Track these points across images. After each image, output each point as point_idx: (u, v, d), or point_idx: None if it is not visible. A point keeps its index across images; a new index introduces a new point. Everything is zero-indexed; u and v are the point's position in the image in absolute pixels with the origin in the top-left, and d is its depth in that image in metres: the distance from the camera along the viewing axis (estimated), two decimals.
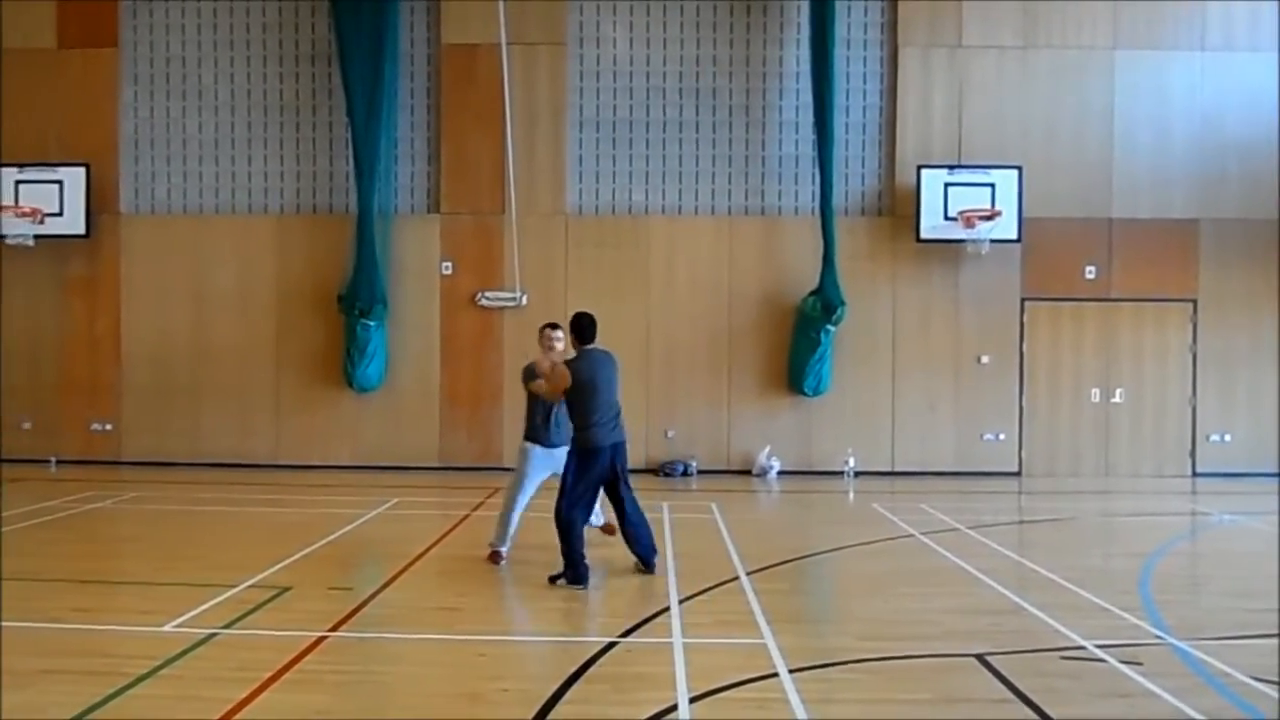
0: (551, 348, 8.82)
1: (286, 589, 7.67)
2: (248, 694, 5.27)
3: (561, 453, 8.63)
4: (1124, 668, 5.90)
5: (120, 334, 15.85)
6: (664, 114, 15.70)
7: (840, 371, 15.28)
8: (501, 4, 14.94)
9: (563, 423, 8.69)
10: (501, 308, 15.54)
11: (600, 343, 8.51)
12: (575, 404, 8.23)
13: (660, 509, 11.43)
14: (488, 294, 15.55)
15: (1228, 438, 15.50)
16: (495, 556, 8.84)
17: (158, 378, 15.79)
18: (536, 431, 8.92)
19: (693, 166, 15.72)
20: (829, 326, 14.85)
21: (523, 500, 8.89)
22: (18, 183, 15.36)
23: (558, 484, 8.34)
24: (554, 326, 8.97)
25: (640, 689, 5.48)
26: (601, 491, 8.48)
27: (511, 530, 8.90)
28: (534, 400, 8.89)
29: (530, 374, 8.80)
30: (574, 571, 8.03)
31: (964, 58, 15.54)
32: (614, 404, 8.30)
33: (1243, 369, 15.48)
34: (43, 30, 15.82)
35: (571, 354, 8.49)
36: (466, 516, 11.39)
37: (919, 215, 15.05)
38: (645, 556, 8.46)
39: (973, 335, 15.52)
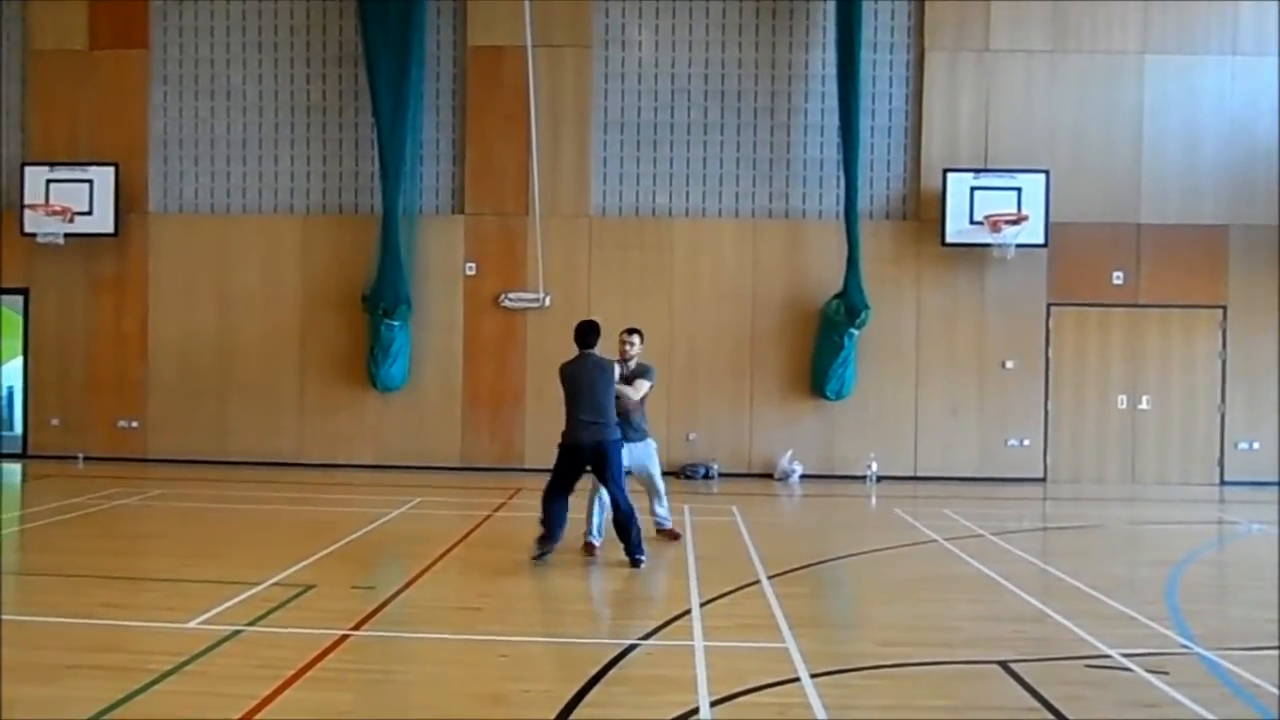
0: (624, 352, 9.50)
1: (309, 587, 7.71)
2: (270, 692, 5.30)
3: (638, 446, 9.46)
4: (1150, 677, 5.84)
5: (147, 332, 16.00)
6: (689, 116, 15.69)
7: (863, 375, 15.22)
8: (527, 6, 14.97)
9: (638, 418, 9.49)
10: (525, 309, 15.57)
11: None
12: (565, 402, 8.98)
13: (682, 511, 11.41)
14: (511, 295, 15.59)
15: (1256, 445, 15.34)
16: (588, 548, 9.25)
17: (184, 376, 15.93)
18: None
19: (717, 169, 15.71)
20: (852, 330, 14.79)
21: (601, 488, 9.26)
22: (48, 182, 15.54)
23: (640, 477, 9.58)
24: (629, 331, 9.62)
25: (661, 692, 5.47)
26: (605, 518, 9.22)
27: (596, 521, 9.29)
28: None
29: None
30: (541, 534, 8.76)
31: (991, 61, 15.45)
32: (593, 407, 8.72)
33: (1272, 376, 15.29)
34: (74, 32, 16.01)
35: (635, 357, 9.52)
36: (488, 517, 11.42)
37: (944, 219, 14.98)
38: (629, 553, 8.82)
39: (998, 340, 15.42)
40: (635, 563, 8.71)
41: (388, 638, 6.62)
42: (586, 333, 8.92)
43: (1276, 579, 8.52)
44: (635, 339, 9.60)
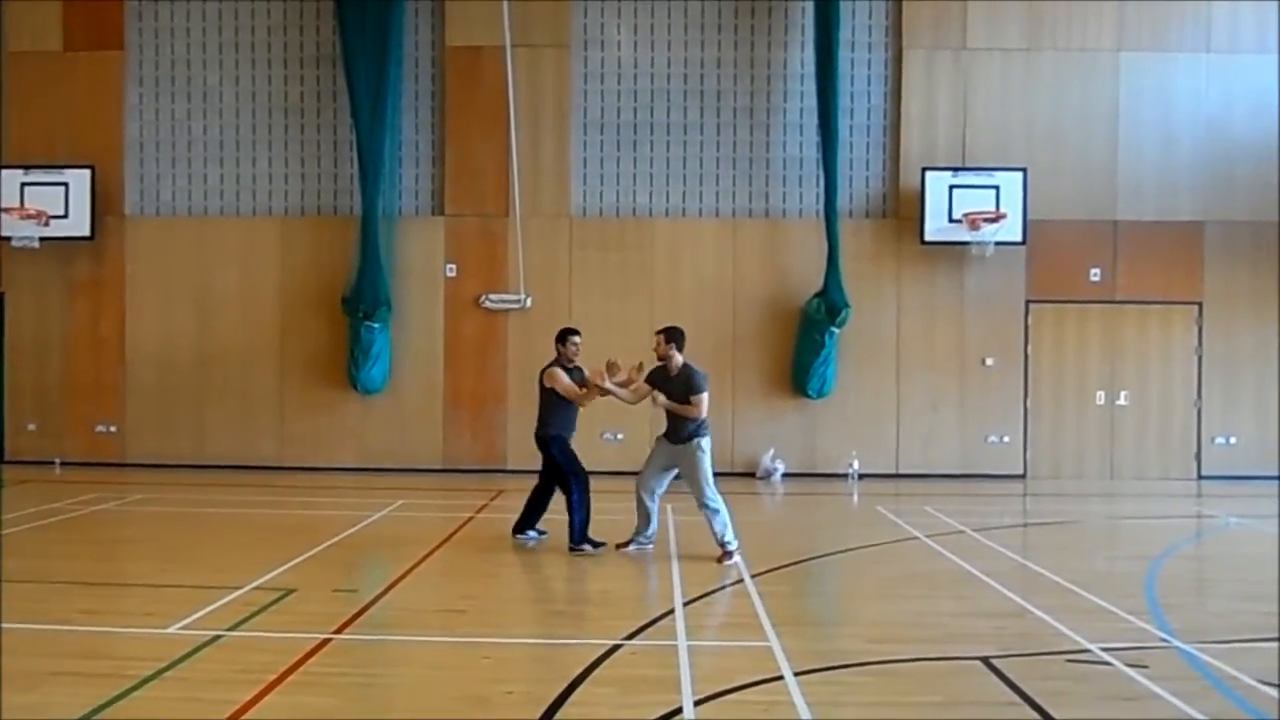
0: (655, 351, 9.54)
1: (291, 591, 7.68)
2: (252, 696, 5.28)
3: (681, 446, 9.25)
4: (1130, 671, 5.88)
5: (125, 336, 15.87)
6: (668, 116, 15.70)
7: (844, 374, 15.27)
8: (506, 6, 14.95)
9: (678, 419, 9.29)
10: (506, 310, 15.54)
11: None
12: None
13: (664, 511, 11.42)
14: (492, 296, 15.56)
15: (1233, 440, 15.47)
16: (626, 544, 9.44)
17: (162, 380, 15.80)
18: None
19: (697, 168, 15.72)
20: (833, 329, 14.84)
21: (644, 483, 9.43)
22: (23, 185, 15.38)
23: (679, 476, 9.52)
24: (658, 332, 9.65)
25: (645, 692, 5.48)
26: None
27: (646, 518, 9.43)
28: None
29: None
30: None
31: (968, 60, 15.53)
32: (539, 406, 9.73)
33: (1248, 371, 15.44)
34: (49, 33, 15.86)
35: (667, 358, 9.53)
36: (471, 518, 11.40)
37: (923, 217, 15.04)
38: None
39: (977, 337, 15.49)
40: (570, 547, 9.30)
41: (370, 641, 6.60)
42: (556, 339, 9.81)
43: (1276, 575, 8.58)
44: (660, 339, 9.48)
